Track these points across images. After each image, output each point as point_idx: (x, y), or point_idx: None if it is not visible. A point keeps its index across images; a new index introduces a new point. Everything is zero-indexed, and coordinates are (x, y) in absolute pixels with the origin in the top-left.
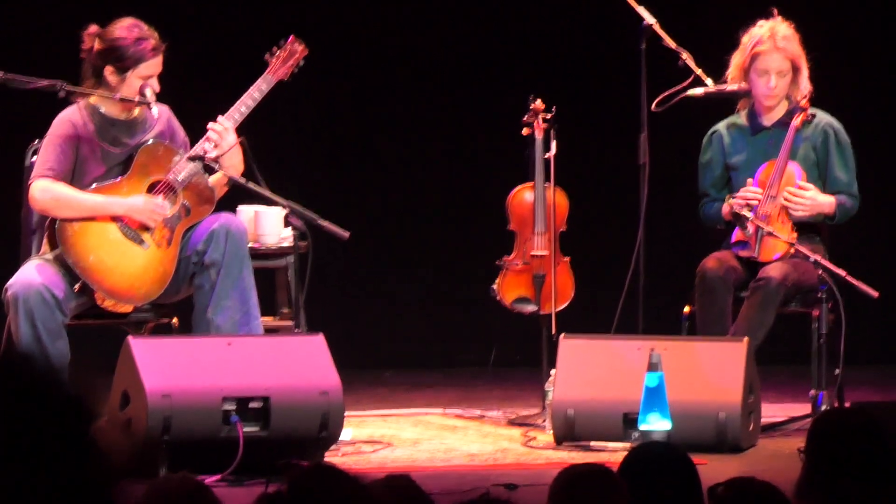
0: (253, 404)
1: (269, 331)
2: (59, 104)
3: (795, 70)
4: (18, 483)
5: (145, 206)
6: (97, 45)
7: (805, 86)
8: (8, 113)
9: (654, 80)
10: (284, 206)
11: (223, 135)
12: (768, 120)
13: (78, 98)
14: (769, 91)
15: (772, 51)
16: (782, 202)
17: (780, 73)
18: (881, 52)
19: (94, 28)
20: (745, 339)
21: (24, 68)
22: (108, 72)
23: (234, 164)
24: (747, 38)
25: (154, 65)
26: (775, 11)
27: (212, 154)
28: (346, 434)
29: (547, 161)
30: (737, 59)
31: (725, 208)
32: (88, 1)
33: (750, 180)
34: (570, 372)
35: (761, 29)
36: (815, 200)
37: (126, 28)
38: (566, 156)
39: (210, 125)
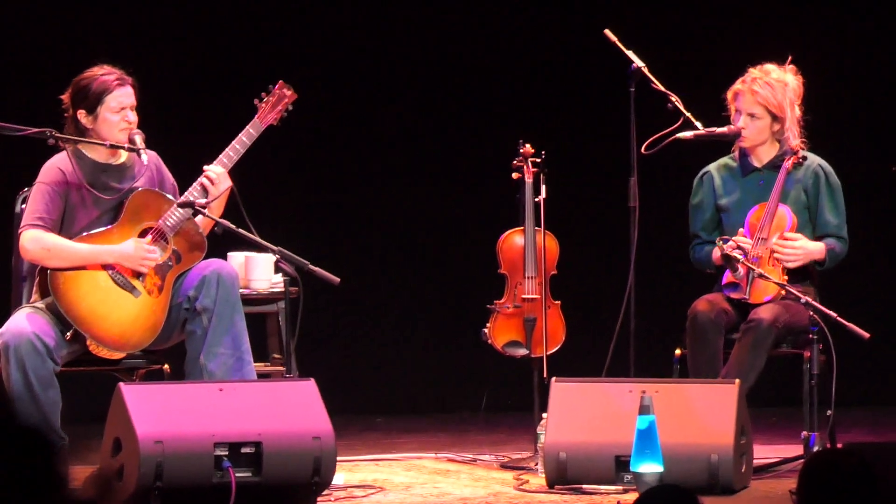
0: (245, 449)
1: (261, 376)
2: (49, 152)
3: (774, 117)
4: None
5: (136, 252)
6: (67, 97)
7: (791, 136)
8: None
9: (644, 123)
10: (275, 252)
11: (216, 181)
12: (758, 161)
13: (66, 145)
14: (740, 130)
15: (745, 92)
16: (773, 250)
17: (751, 116)
18: (870, 95)
19: (68, 94)
20: (737, 381)
21: (13, 117)
22: (81, 116)
23: (217, 207)
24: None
25: (122, 95)
26: (789, 59)
27: (201, 200)
28: (339, 479)
29: (537, 205)
30: (729, 94)
31: (716, 252)
32: (78, 50)
33: (741, 230)
34: (562, 415)
35: (755, 70)
36: (805, 248)
37: (89, 71)
38: (556, 199)
39: (205, 170)
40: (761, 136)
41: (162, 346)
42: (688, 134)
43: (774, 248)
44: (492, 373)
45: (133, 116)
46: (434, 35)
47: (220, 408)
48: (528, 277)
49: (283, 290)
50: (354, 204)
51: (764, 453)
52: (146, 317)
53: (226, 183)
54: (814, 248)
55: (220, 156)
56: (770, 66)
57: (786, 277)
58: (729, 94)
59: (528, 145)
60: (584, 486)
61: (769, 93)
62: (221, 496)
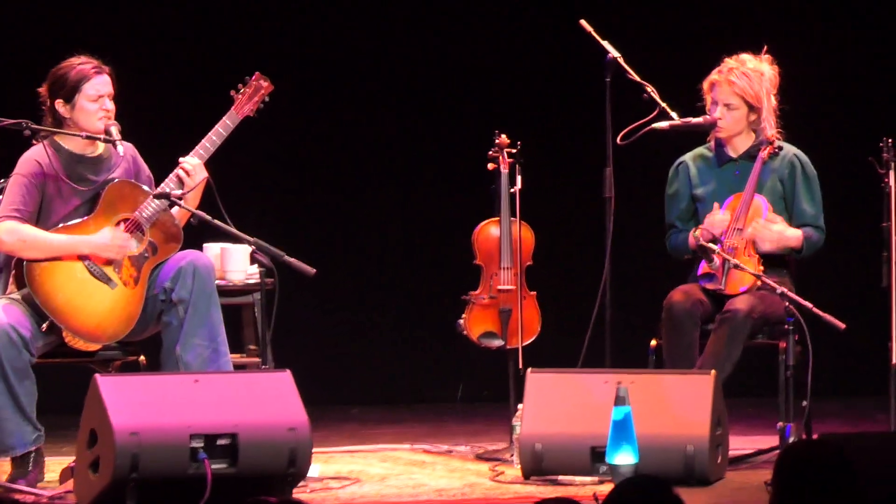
0: (221, 441)
1: (236, 367)
2: (25, 144)
3: (751, 108)
4: None
5: (112, 242)
6: (45, 88)
7: (769, 126)
8: None
9: (619, 113)
10: (250, 244)
11: (192, 172)
12: (734, 151)
13: (43, 137)
14: (717, 121)
15: (722, 83)
16: (750, 234)
17: (729, 107)
18: (847, 85)
19: (45, 85)
20: (713, 371)
21: None
22: (59, 105)
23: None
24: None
25: (99, 84)
26: (765, 48)
27: (177, 191)
28: (314, 470)
29: (512, 195)
30: (705, 85)
31: (692, 240)
32: (54, 42)
33: (717, 205)
34: (538, 406)
35: (731, 60)
36: (782, 234)
37: (66, 62)
38: (532, 190)
39: (181, 161)
40: (738, 126)
41: (138, 338)
42: (663, 124)
43: (754, 227)
44: (467, 364)
45: (110, 105)
46: (410, 27)
47: (195, 399)
48: (504, 268)
49: (258, 281)
50: (329, 195)
51: (740, 444)
52: (122, 308)
53: (201, 174)
54: (790, 235)
55: (196, 147)
56: (746, 56)
57: (762, 268)
58: (705, 85)
59: (503, 136)
60: (559, 477)
61: (746, 83)
62: (197, 487)
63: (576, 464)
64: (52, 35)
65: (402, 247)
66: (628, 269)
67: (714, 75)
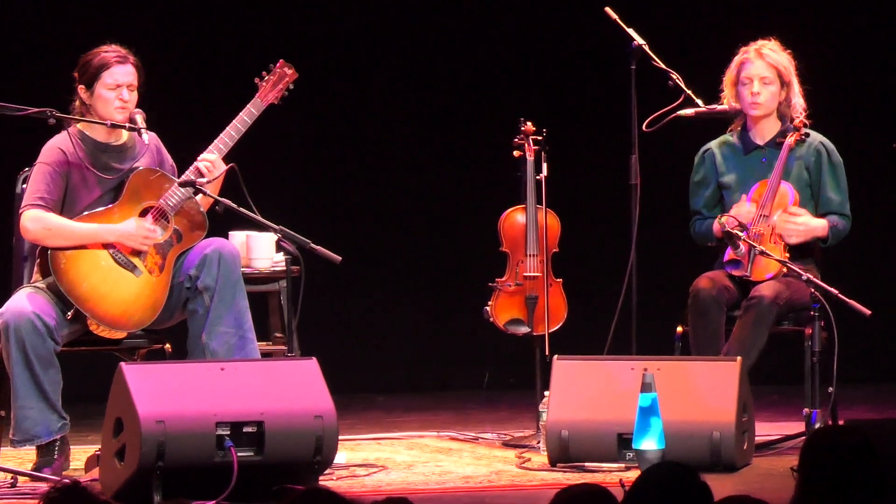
0: (247, 429)
1: (263, 355)
2: (49, 132)
3: (784, 84)
4: None
5: (137, 232)
6: (76, 72)
7: (798, 103)
8: None
9: (645, 100)
10: (276, 231)
11: (211, 169)
12: (760, 138)
13: (68, 125)
14: (752, 97)
15: (755, 58)
16: (775, 225)
17: (764, 81)
18: (871, 73)
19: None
20: (739, 358)
21: (15, 97)
22: (81, 91)
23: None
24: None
25: (119, 73)
26: (773, 40)
27: (202, 179)
28: (341, 458)
29: (538, 183)
30: (727, 76)
31: (716, 226)
32: (79, 30)
33: (744, 196)
34: (564, 393)
35: (750, 45)
36: (808, 225)
37: (96, 48)
38: (557, 177)
39: (200, 158)
40: (773, 103)
41: (163, 326)
42: (689, 111)
43: (779, 221)
44: (493, 351)
45: (128, 95)
46: (435, 13)
47: (221, 387)
48: (530, 255)
49: (284, 268)
50: (356, 182)
51: (766, 430)
52: (147, 296)
53: (220, 168)
54: (816, 225)
55: (220, 135)
56: (761, 42)
57: (787, 255)
58: (730, 74)
59: (529, 123)
60: (586, 463)
61: (779, 57)
62: (223, 476)
63: (602, 450)
64: (75, 22)
65: (429, 234)
66: (654, 256)
67: (742, 55)
